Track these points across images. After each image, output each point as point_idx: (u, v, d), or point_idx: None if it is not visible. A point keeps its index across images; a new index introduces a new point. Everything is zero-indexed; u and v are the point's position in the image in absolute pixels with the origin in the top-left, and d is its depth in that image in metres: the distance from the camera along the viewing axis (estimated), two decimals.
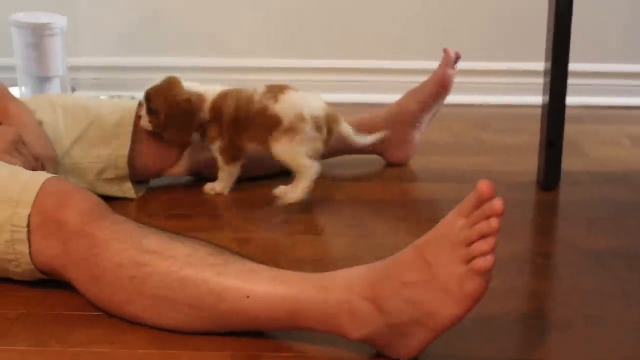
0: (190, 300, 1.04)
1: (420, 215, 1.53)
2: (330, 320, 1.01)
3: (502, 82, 2.29)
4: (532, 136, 1.72)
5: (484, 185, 0.93)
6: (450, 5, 2.27)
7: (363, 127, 1.72)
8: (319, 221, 1.49)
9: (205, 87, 1.52)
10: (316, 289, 1.01)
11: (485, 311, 1.09)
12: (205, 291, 1.04)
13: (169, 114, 1.47)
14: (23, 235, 1.13)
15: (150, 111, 1.48)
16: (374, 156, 1.77)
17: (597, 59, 2.26)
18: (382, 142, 1.66)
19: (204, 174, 1.59)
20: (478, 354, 1.06)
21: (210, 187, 1.55)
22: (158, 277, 1.05)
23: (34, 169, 1.27)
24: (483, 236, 0.93)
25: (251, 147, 1.50)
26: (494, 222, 0.92)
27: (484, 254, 0.92)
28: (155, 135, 1.53)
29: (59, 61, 2.02)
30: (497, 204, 0.93)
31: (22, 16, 1.98)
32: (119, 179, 1.54)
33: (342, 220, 1.50)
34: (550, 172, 1.62)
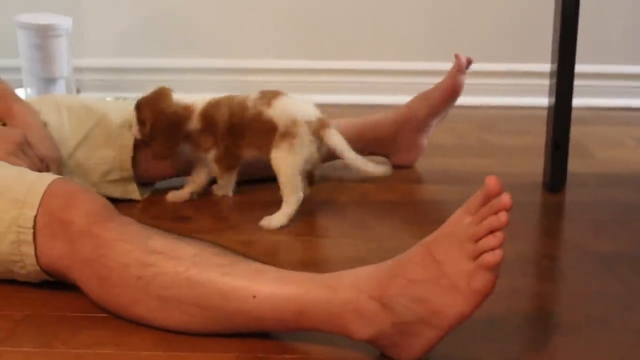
0: (197, 301, 1.04)
1: (425, 217, 1.53)
2: (336, 321, 1.00)
3: (508, 84, 2.29)
4: (537, 138, 1.72)
5: (491, 181, 0.94)
6: (455, 7, 2.27)
7: (369, 129, 1.72)
8: (323, 223, 1.49)
9: (194, 98, 1.50)
10: (322, 289, 1.01)
11: (490, 312, 1.09)
12: (212, 291, 1.04)
13: (155, 125, 1.46)
14: (29, 237, 1.13)
15: (139, 121, 1.49)
16: (379, 158, 1.77)
17: (603, 60, 2.26)
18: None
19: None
20: (482, 355, 1.06)
21: (216, 188, 1.56)
22: (164, 278, 1.05)
23: (39, 171, 1.28)
24: (491, 231, 0.93)
25: (249, 153, 1.49)
26: (502, 217, 0.93)
27: (492, 249, 0.93)
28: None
29: (64, 62, 2.02)
30: (506, 198, 0.93)
31: (27, 17, 1.99)
32: (123, 181, 1.54)
33: (347, 222, 1.50)
34: (556, 174, 1.62)
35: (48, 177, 1.17)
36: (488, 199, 0.94)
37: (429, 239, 0.99)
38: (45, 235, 1.12)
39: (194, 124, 1.48)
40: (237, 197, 1.57)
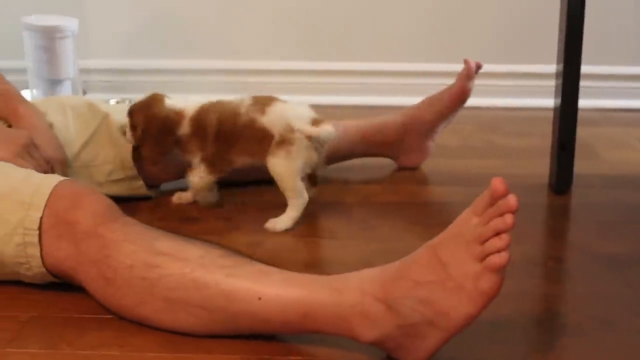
0: (202, 302, 1.04)
1: (430, 218, 1.53)
2: (342, 323, 1.00)
3: (513, 85, 2.28)
4: (543, 139, 1.71)
5: (497, 183, 0.93)
6: (461, 8, 2.27)
7: (376, 131, 1.72)
8: (328, 224, 1.49)
9: (187, 102, 1.49)
10: (328, 291, 1.01)
11: (496, 314, 1.09)
12: (217, 293, 1.03)
13: (146, 129, 1.46)
14: (34, 239, 1.13)
15: (132, 127, 1.49)
16: (385, 159, 1.77)
17: (609, 61, 2.25)
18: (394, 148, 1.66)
19: (232, 176, 1.57)
20: (488, 357, 1.05)
21: (177, 197, 1.55)
22: (170, 279, 1.05)
23: (45, 172, 1.28)
24: (497, 233, 0.93)
25: (241, 160, 1.47)
26: (508, 219, 0.92)
27: (498, 251, 0.92)
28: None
29: (70, 64, 2.02)
30: (512, 200, 0.93)
31: (33, 19, 1.99)
32: (129, 179, 1.54)
33: (353, 223, 1.50)
34: (562, 175, 1.61)
35: (54, 179, 1.17)
36: (494, 200, 0.94)
37: (434, 240, 0.99)
38: (51, 237, 1.13)
39: (184, 128, 1.46)
40: (243, 198, 1.57)
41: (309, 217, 1.48)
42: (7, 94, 1.44)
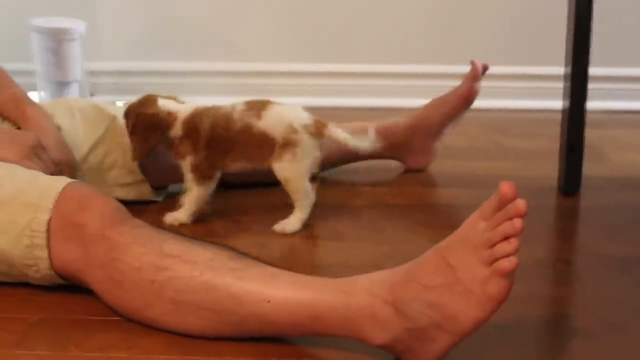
0: (211, 305, 1.04)
1: (439, 221, 1.52)
2: (351, 326, 1.00)
3: (521, 87, 2.28)
4: (552, 141, 1.71)
5: (506, 187, 0.93)
6: (468, 9, 2.27)
7: (383, 133, 1.71)
8: (337, 226, 1.48)
9: (182, 105, 1.47)
10: (337, 293, 1.01)
11: (505, 317, 1.08)
12: (226, 295, 1.03)
13: (135, 125, 1.45)
14: (42, 241, 1.13)
15: (127, 127, 1.48)
16: (393, 161, 1.76)
17: (617, 62, 2.24)
18: (393, 148, 1.65)
19: (232, 179, 1.57)
20: None
21: (173, 218, 1.47)
22: (179, 282, 1.05)
23: (52, 174, 1.28)
24: (506, 237, 0.93)
25: (237, 166, 1.46)
26: (517, 223, 0.92)
27: (507, 255, 0.92)
28: None
29: (77, 66, 2.03)
30: (521, 204, 0.92)
31: (41, 21, 1.99)
32: (137, 183, 1.54)
33: (361, 225, 1.49)
34: (570, 178, 1.61)
35: (62, 181, 1.17)
36: (503, 204, 0.94)
37: (443, 244, 0.98)
38: (59, 239, 1.13)
39: (176, 130, 1.45)
40: (251, 199, 1.57)
41: (317, 220, 1.48)
42: (16, 96, 1.45)
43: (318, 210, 1.48)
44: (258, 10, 2.28)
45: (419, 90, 2.18)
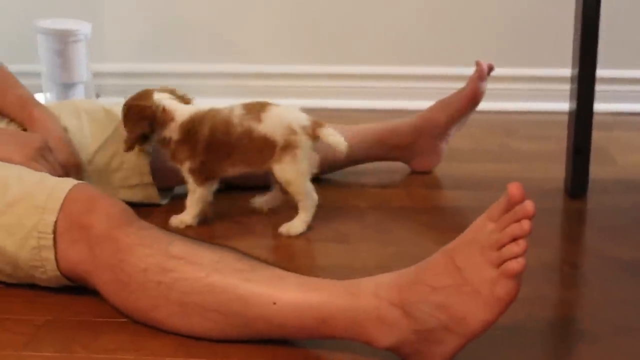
0: (218, 307, 1.04)
1: (445, 223, 1.52)
2: (358, 328, 1.00)
3: (528, 88, 2.27)
4: (558, 143, 1.71)
5: (514, 188, 0.93)
6: (472, 10, 2.26)
7: (389, 135, 1.72)
8: (343, 228, 1.48)
9: (178, 105, 1.45)
10: (344, 296, 1.01)
11: (512, 319, 1.08)
12: (233, 297, 1.03)
13: (125, 116, 1.45)
14: (49, 242, 1.13)
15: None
16: (398, 163, 1.76)
17: (625, 64, 2.24)
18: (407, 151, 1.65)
19: (237, 181, 1.57)
20: None
21: (179, 221, 1.46)
22: (185, 283, 1.05)
23: (59, 176, 1.28)
24: (514, 239, 0.93)
25: (235, 170, 1.45)
26: (525, 224, 0.92)
27: (515, 257, 0.92)
28: None
29: (83, 67, 2.03)
30: (529, 206, 0.92)
31: (47, 23, 2.00)
32: (143, 185, 1.54)
33: (367, 227, 1.49)
34: (577, 180, 1.60)
35: (68, 183, 1.17)
36: (511, 206, 0.94)
37: (450, 245, 0.98)
38: (66, 241, 1.13)
39: (172, 132, 1.43)
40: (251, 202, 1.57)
41: (322, 221, 1.48)
42: (22, 98, 1.45)
43: (323, 212, 1.48)
44: (269, 12, 2.28)
45: (421, 92, 2.17)
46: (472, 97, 1.70)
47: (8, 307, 1.17)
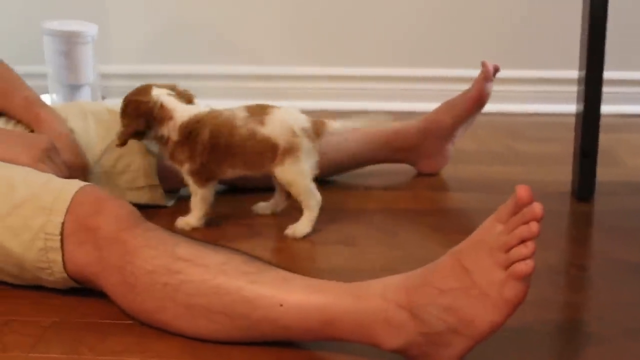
0: (223, 309, 1.04)
1: (452, 225, 1.52)
2: (365, 331, 1.00)
3: (534, 90, 2.27)
4: (564, 145, 1.70)
5: (522, 190, 0.93)
6: (478, 11, 2.26)
7: (395, 137, 1.72)
8: (350, 230, 1.48)
9: (178, 104, 1.44)
10: (351, 298, 1.01)
11: (520, 322, 1.08)
12: (238, 299, 1.03)
13: (122, 110, 1.44)
14: (56, 244, 1.13)
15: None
16: (405, 165, 1.76)
17: (633, 66, 2.23)
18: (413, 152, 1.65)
19: (237, 183, 1.57)
20: None
21: (184, 222, 1.46)
22: (191, 285, 1.05)
23: (66, 178, 1.28)
24: (522, 241, 0.92)
25: (233, 172, 1.45)
26: (534, 227, 0.92)
27: (524, 259, 0.92)
28: None
29: (89, 69, 2.03)
30: (537, 208, 0.92)
31: (53, 24, 2.00)
32: (149, 187, 1.54)
33: (373, 229, 1.49)
34: (584, 182, 1.60)
35: (75, 184, 1.17)
36: (519, 208, 0.93)
37: (458, 247, 0.98)
38: (73, 242, 1.13)
39: (171, 132, 1.43)
40: (255, 203, 1.56)
41: (328, 224, 1.48)
42: (29, 99, 1.45)
43: (329, 215, 1.48)
44: (275, 14, 2.29)
45: (422, 94, 2.18)
46: (478, 98, 1.69)
47: (15, 308, 1.17)
